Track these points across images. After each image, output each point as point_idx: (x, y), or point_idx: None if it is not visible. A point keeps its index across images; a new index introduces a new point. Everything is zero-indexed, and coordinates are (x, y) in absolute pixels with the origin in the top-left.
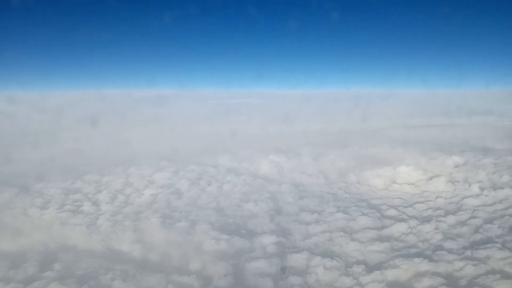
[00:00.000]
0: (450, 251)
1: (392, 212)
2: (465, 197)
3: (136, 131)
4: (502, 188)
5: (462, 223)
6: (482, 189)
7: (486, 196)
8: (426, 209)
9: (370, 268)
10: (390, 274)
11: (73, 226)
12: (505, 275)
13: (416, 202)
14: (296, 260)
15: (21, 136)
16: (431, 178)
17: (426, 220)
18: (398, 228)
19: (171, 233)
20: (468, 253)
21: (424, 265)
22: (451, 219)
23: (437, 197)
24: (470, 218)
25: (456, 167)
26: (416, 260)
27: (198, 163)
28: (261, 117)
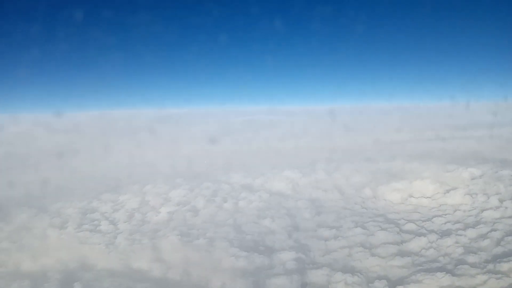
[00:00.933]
0: (472, 265)
1: (410, 226)
2: (484, 210)
3: (149, 149)
4: None
5: (483, 236)
6: (501, 201)
7: (506, 208)
8: (445, 223)
9: (392, 284)
10: None
11: (92, 245)
12: None
13: (434, 216)
14: (317, 276)
15: (37, 157)
16: (448, 191)
17: (445, 234)
18: (418, 243)
19: (190, 251)
20: (491, 266)
21: (446, 280)
22: (471, 233)
23: (455, 210)
24: (490, 231)
25: (473, 179)
26: (439, 274)
27: (213, 180)
28: (272, 133)
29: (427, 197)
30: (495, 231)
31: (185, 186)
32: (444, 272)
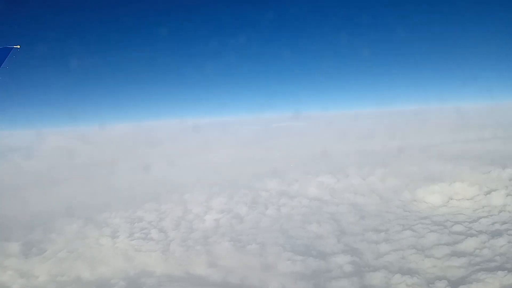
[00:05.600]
0: None
1: (458, 227)
2: None
3: (181, 159)
4: None
5: None
6: None
7: None
8: (493, 223)
9: (453, 284)
10: None
11: (148, 252)
12: None
13: (480, 217)
14: (375, 278)
15: (74, 169)
16: (489, 192)
17: (496, 234)
18: (470, 243)
19: (244, 256)
20: None
21: (509, 278)
22: None
23: (500, 211)
24: None
25: (511, 180)
26: (500, 273)
27: (249, 187)
28: (299, 139)
29: (468, 199)
30: None
31: (223, 194)
32: (506, 271)
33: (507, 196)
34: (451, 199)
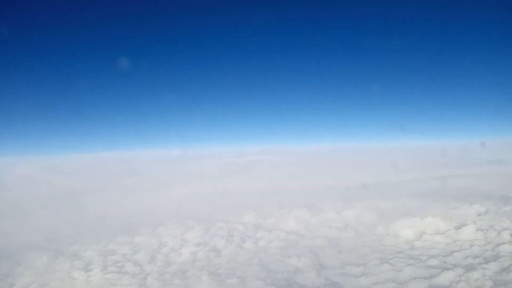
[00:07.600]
0: None
1: (433, 261)
2: (499, 244)
3: (153, 191)
4: None
5: (506, 269)
6: None
7: None
8: (465, 257)
9: None
10: None
11: (125, 286)
12: None
13: (453, 251)
14: None
15: (42, 200)
16: (459, 227)
17: (470, 268)
18: (446, 277)
19: None
20: None
21: None
22: (494, 266)
23: (471, 245)
24: None
25: (479, 215)
26: None
27: (224, 220)
28: (272, 173)
29: (441, 234)
30: None
31: (198, 227)
32: None
33: (476, 231)
34: (424, 233)
